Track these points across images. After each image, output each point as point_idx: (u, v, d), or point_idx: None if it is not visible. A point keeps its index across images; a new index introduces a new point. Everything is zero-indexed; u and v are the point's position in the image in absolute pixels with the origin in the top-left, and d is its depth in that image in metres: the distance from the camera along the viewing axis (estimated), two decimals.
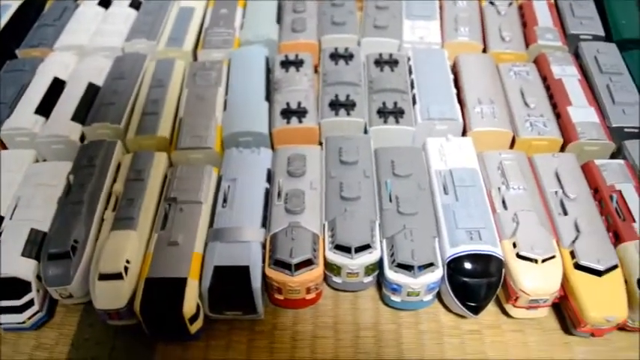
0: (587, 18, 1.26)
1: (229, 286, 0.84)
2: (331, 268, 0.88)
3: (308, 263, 0.85)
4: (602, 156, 1.03)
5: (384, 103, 1.06)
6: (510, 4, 1.29)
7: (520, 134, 1.03)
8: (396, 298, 0.88)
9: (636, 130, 1.05)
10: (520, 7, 1.30)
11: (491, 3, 1.28)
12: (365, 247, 0.86)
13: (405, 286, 0.85)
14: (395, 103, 1.06)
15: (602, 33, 1.24)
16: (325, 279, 0.91)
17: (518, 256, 0.85)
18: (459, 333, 0.89)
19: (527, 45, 1.22)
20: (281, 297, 0.88)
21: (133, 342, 0.89)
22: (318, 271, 0.85)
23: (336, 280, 0.90)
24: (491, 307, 0.91)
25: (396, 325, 0.90)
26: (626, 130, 1.05)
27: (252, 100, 1.07)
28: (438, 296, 0.91)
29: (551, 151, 1.02)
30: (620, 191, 0.93)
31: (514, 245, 0.86)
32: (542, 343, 0.89)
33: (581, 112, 1.05)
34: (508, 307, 0.89)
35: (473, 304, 0.85)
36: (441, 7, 1.29)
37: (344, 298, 0.93)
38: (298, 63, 1.13)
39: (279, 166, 0.97)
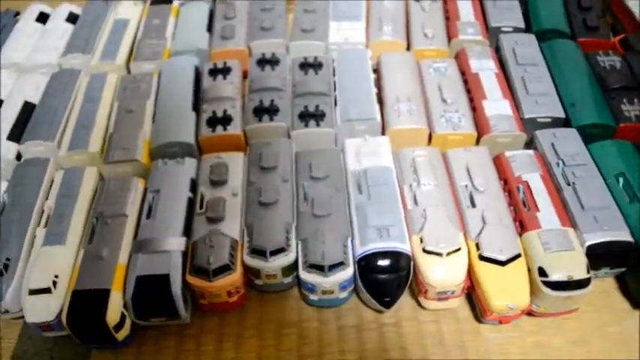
0: (509, 10, 1.29)
1: (151, 294, 0.88)
2: (251, 271, 0.92)
3: (226, 268, 0.89)
4: (516, 147, 1.07)
5: (306, 107, 1.09)
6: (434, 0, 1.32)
7: (436, 130, 1.07)
8: (313, 297, 0.92)
9: (548, 120, 1.09)
10: (444, 2, 1.33)
11: (416, 0, 1.31)
12: (280, 250, 0.90)
13: (318, 285, 0.89)
14: (317, 106, 1.10)
15: (522, 25, 1.27)
16: (249, 281, 0.95)
17: (425, 250, 0.89)
18: (378, 326, 0.94)
19: (449, 40, 1.25)
20: (205, 301, 0.93)
21: (69, 352, 0.94)
22: (235, 275, 0.90)
23: (258, 282, 0.94)
24: (409, 300, 0.96)
25: (318, 322, 0.95)
26: (539, 120, 1.09)
27: (179, 111, 1.11)
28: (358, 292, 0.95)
29: (467, 145, 1.06)
30: (526, 182, 0.97)
31: (421, 240, 0.90)
32: (456, 331, 0.93)
33: (495, 105, 1.09)
34: (421, 300, 0.93)
35: (384, 299, 0.90)
36: (368, 8, 1.31)
37: (268, 299, 0.97)
38: (226, 71, 1.17)
39: (203, 175, 1.01)
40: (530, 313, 0.92)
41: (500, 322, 0.91)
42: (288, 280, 0.94)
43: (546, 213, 0.93)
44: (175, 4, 1.34)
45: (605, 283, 0.99)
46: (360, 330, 0.94)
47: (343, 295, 0.92)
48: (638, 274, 0.93)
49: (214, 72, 1.17)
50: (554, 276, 0.86)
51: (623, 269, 0.95)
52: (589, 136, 1.07)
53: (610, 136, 1.09)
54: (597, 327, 0.93)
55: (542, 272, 0.87)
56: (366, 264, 0.89)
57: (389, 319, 0.95)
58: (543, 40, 1.23)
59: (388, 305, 0.91)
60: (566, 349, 0.91)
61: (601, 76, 1.16)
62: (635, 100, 1.11)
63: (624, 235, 0.91)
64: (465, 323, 0.94)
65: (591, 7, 1.32)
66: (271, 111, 1.09)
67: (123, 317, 0.88)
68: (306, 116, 1.08)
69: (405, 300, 0.96)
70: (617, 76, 1.15)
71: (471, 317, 0.94)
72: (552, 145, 1.03)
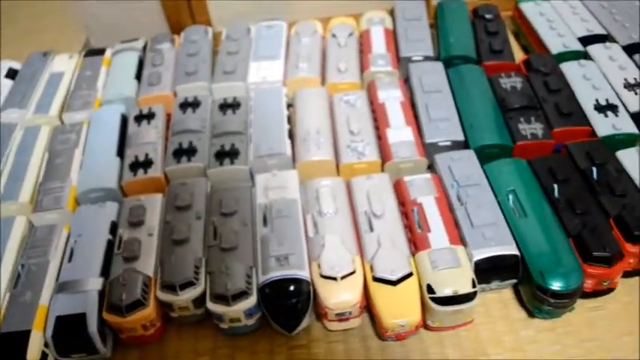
0: (420, 41, 1.37)
1: (70, 332, 0.95)
2: (165, 305, 0.99)
3: (138, 304, 0.95)
4: (419, 171, 1.13)
5: (222, 146, 1.17)
6: (350, 34, 1.40)
7: (342, 160, 1.14)
8: (223, 325, 0.98)
9: (449, 144, 1.16)
10: (360, 36, 1.41)
11: (334, 35, 1.39)
12: (189, 284, 0.97)
13: (224, 314, 0.95)
14: (232, 145, 1.17)
15: (431, 53, 1.35)
16: (165, 314, 1.01)
17: (322, 275, 0.96)
18: (288, 349, 1.00)
19: (362, 73, 1.32)
20: (123, 336, 0.99)
21: None
22: (148, 310, 0.96)
23: (173, 314, 1.00)
24: (317, 323, 1.02)
25: (231, 348, 1.01)
26: (439, 144, 1.16)
27: (104, 158, 1.18)
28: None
29: (372, 172, 1.13)
30: (421, 204, 1.04)
31: (319, 266, 0.97)
32: (363, 349, 0.99)
33: (398, 133, 1.16)
34: (324, 322, 0.99)
35: (286, 324, 0.96)
36: (287, 47, 1.39)
37: (185, 330, 1.04)
38: (150, 116, 1.25)
39: (122, 217, 1.08)
40: (427, 328, 0.98)
41: (397, 339, 0.97)
42: (202, 311, 1.00)
43: (437, 233, 0.99)
44: (107, 54, 1.42)
45: (502, 295, 1.05)
46: (271, 354, 1.00)
47: (251, 322, 0.98)
48: (526, 285, 0.99)
49: (140, 118, 1.24)
50: (441, 292, 0.92)
51: (514, 281, 1.01)
52: (488, 156, 1.13)
53: (508, 155, 1.15)
54: (493, 337, 0.99)
55: (430, 289, 0.93)
56: (268, 292, 0.95)
57: (300, 341, 1.01)
58: (450, 67, 1.31)
59: (291, 330, 0.97)
60: None
61: (501, 97, 1.23)
62: (532, 118, 1.18)
63: (510, 249, 0.97)
64: (370, 341, 1.00)
65: (498, 32, 1.39)
66: (190, 152, 1.17)
67: (44, 355, 0.94)
68: (221, 155, 1.16)
69: (316, 323, 1.02)
70: (517, 96, 1.22)
71: (374, 335, 1.00)
72: (449, 167, 1.10)
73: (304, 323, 0.98)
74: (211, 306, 0.95)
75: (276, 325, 0.97)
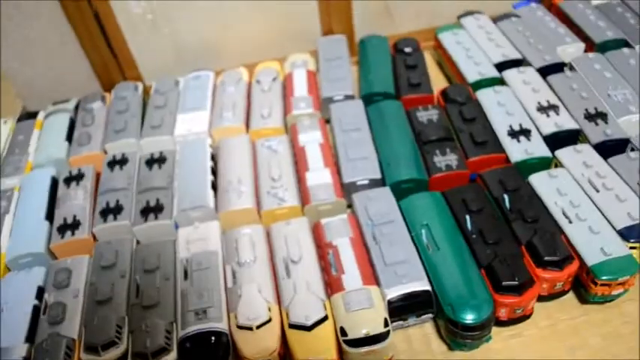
0: (340, 80, 1.41)
1: None
2: None
3: None
4: (339, 212, 1.16)
5: (147, 202, 1.19)
6: (274, 79, 1.44)
7: (263, 207, 1.17)
8: None
9: (366, 182, 1.19)
10: (284, 80, 1.45)
11: (258, 82, 1.43)
12: (111, 344, 0.98)
13: None
14: (157, 200, 1.19)
15: (351, 92, 1.38)
16: None
17: (238, 326, 0.98)
18: None
19: (285, 116, 1.36)
20: None
21: None
22: None
23: None
24: None
25: None
26: (358, 183, 1.19)
27: (33, 222, 1.20)
28: None
29: (294, 217, 1.15)
30: (336, 246, 1.07)
31: (235, 317, 0.99)
32: None
33: (316, 175, 1.19)
34: None
35: None
36: (213, 96, 1.43)
37: None
38: (79, 177, 1.27)
39: (49, 281, 1.10)
40: None
41: None
42: None
43: (351, 274, 1.02)
44: (40, 117, 1.45)
45: (424, 329, 1.07)
46: None
47: None
48: (441, 319, 1.01)
49: (69, 179, 1.27)
50: (352, 334, 0.95)
51: (430, 315, 1.04)
52: (405, 191, 1.17)
53: (424, 188, 1.19)
54: None
55: (343, 332, 0.96)
56: (187, 346, 0.97)
57: None
58: (370, 104, 1.35)
59: None
60: None
61: (418, 131, 1.27)
62: (448, 150, 1.22)
63: (422, 285, 1.00)
64: None
65: (416, 65, 1.44)
66: (116, 210, 1.19)
67: None
68: (146, 211, 1.18)
69: None
70: (432, 129, 1.26)
71: None
72: (365, 206, 1.13)
73: None
74: None
75: None
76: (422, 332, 1.07)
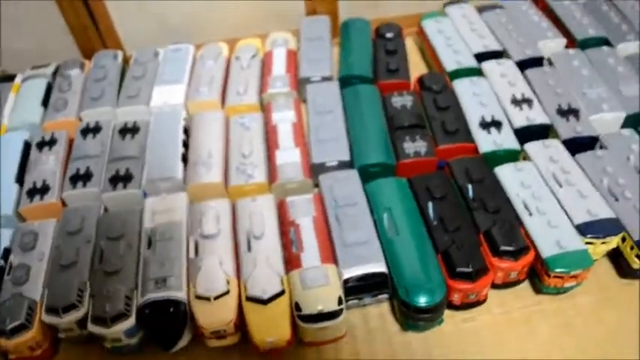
0: (319, 60, 1.41)
1: None
2: (50, 327, 1.02)
3: (22, 327, 0.99)
4: (305, 191, 1.17)
5: (117, 171, 1.20)
6: (254, 56, 1.44)
7: (230, 182, 1.18)
8: (106, 344, 1.02)
9: (335, 164, 1.20)
10: (263, 57, 1.45)
11: (237, 58, 1.43)
12: (72, 307, 1.00)
13: (105, 335, 0.99)
14: (127, 169, 1.20)
15: (329, 73, 1.39)
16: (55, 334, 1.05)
17: (196, 296, 1.00)
18: None
19: (261, 94, 1.36)
20: (12, 357, 1.03)
21: None
22: (32, 333, 0.99)
23: (60, 335, 1.04)
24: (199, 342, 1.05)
25: None
26: (327, 164, 1.20)
27: (2, 185, 1.21)
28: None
29: (261, 193, 1.17)
30: (298, 224, 1.08)
31: (195, 287, 1.00)
32: None
33: (286, 154, 1.20)
34: (204, 340, 1.03)
35: (163, 343, 1.01)
36: (192, 69, 1.43)
37: (75, 349, 1.07)
38: (52, 142, 1.28)
39: (15, 243, 1.11)
40: (303, 343, 1.03)
41: (272, 355, 1.01)
42: (87, 331, 1.03)
43: (310, 253, 1.04)
44: (17, 80, 1.45)
45: (381, 308, 1.09)
46: None
47: (133, 341, 1.02)
48: (395, 300, 1.04)
49: (41, 144, 1.28)
50: (306, 310, 0.97)
51: (385, 296, 1.06)
52: (372, 175, 1.18)
53: (392, 173, 1.20)
54: (369, 349, 1.04)
55: (297, 307, 0.98)
56: (146, 312, 0.99)
57: (180, 358, 1.05)
58: (347, 86, 1.36)
59: (168, 348, 1.01)
60: None
61: (391, 116, 1.28)
62: (417, 136, 1.23)
63: (379, 267, 1.02)
64: (249, 357, 1.04)
65: (396, 51, 1.44)
66: (86, 177, 1.20)
67: None
68: (116, 179, 1.19)
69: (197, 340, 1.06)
70: (405, 115, 1.27)
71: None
72: (331, 187, 1.14)
73: (183, 341, 1.02)
74: (92, 327, 0.99)
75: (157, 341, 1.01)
76: (379, 311, 1.09)
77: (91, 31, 1.52)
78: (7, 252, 1.11)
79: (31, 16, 1.51)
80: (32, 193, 1.19)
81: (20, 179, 1.23)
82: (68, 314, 1.00)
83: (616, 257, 1.11)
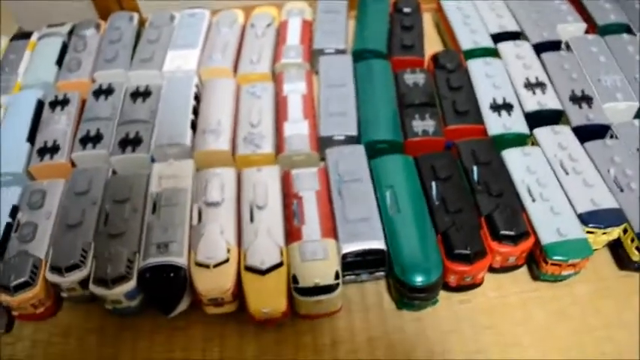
0: (334, 33, 1.40)
1: None
2: (53, 285, 1.05)
3: (26, 284, 1.02)
4: (312, 164, 1.18)
5: (127, 134, 1.22)
6: (269, 25, 1.43)
7: (238, 151, 1.19)
8: (107, 306, 1.05)
9: (342, 138, 1.20)
10: (278, 27, 1.44)
11: (252, 26, 1.43)
12: (75, 267, 1.03)
13: (105, 296, 1.02)
14: (137, 133, 1.22)
15: (343, 46, 1.38)
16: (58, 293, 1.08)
17: (196, 263, 1.01)
18: (168, 330, 1.07)
19: (274, 64, 1.36)
20: (16, 313, 1.06)
21: None
22: (36, 290, 1.02)
23: (63, 294, 1.07)
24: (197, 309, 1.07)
25: (117, 327, 1.09)
26: (334, 138, 1.21)
27: (15, 142, 1.23)
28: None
29: (267, 164, 1.17)
30: (301, 197, 1.09)
31: (195, 254, 1.02)
32: (236, 334, 1.06)
33: (294, 126, 1.20)
34: (202, 307, 1.05)
35: (163, 307, 1.03)
36: (206, 35, 1.43)
37: (78, 309, 1.10)
38: (65, 102, 1.29)
39: (23, 201, 1.13)
40: (298, 315, 1.05)
41: (268, 325, 1.03)
42: (89, 291, 1.06)
43: (311, 226, 1.05)
44: (33, 38, 1.46)
45: (378, 286, 1.11)
46: (152, 334, 1.07)
47: (134, 303, 1.05)
48: (391, 278, 1.05)
49: (54, 104, 1.29)
50: (303, 282, 0.98)
51: (382, 273, 1.07)
52: (379, 151, 1.18)
53: (399, 150, 1.20)
54: (364, 325, 1.06)
55: (295, 279, 0.99)
56: (146, 276, 1.01)
57: (178, 323, 1.07)
58: (360, 60, 1.35)
59: (167, 312, 1.03)
60: (329, 349, 1.03)
61: (402, 93, 1.27)
62: (427, 115, 1.23)
63: (378, 244, 1.03)
64: (245, 325, 1.06)
65: (413, 27, 1.42)
66: (96, 139, 1.22)
67: None
68: (125, 143, 1.21)
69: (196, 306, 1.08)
70: (416, 93, 1.26)
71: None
72: (336, 161, 1.14)
73: (182, 306, 1.04)
74: (93, 288, 1.02)
75: (157, 305, 1.03)
76: (376, 288, 1.10)
77: None
78: (16, 209, 1.13)
79: None
80: (43, 152, 1.21)
81: (32, 138, 1.25)
82: (71, 274, 1.03)
83: (616, 248, 1.11)
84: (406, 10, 1.47)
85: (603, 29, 1.42)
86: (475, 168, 1.12)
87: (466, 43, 1.39)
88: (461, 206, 1.07)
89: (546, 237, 1.03)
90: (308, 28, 1.43)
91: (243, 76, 1.33)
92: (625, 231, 1.07)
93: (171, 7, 1.50)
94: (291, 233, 1.05)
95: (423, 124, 1.21)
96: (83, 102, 1.32)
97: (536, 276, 1.09)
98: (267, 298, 0.99)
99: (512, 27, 1.42)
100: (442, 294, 1.06)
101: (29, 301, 1.03)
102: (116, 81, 1.33)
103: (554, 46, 1.38)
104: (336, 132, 1.20)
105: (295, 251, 1.02)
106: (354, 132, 1.20)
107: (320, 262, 1.00)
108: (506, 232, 1.03)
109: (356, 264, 1.04)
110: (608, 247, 1.13)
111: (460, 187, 1.11)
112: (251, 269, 1.01)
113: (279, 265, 1.01)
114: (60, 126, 1.25)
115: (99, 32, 1.47)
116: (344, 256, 1.02)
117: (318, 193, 1.10)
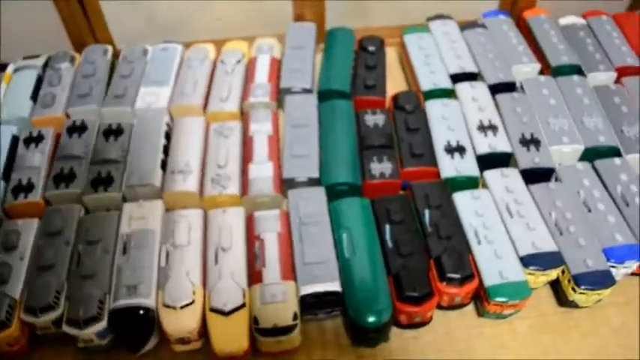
0: (300, 71, 1.46)
1: None
2: (29, 325, 1.11)
3: (2, 325, 1.08)
4: (276, 206, 1.25)
5: (99, 173, 1.27)
6: (239, 61, 1.49)
7: (205, 193, 1.25)
8: (80, 344, 1.11)
9: (305, 180, 1.27)
10: (248, 63, 1.50)
11: (222, 62, 1.48)
12: (49, 308, 1.09)
13: (77, 335, 1.08)
14: (109, 172, 1.27)
15: (309, 86, 1.44)
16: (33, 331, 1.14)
17: (164, 304, 1.08)
18: None
19: (242, 102, 1.42)
20: None
21: None
22: (11, 330, 1.08)
23: (38, 332, 1.13)
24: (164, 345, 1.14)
25: None
26: (297, 180, 1.27)
27: None
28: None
29: (234, 205, 1.24)
30: (263, 239, 1.16)
31: (162, 296, 1.09)
32: None
33: (259, 168, 1.27)
34: (171, 345, 1.12)
35: (131, 346, 1.10)
36: (178, 71, 1.48)
37: (51, 346, 1.16)
38: (39, 139, 1.34)
39: None
40: (260, 352, 1.12)
41: None
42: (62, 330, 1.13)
43: (271, 269, 1.12)
44: (9, 70, 1.50)
45: (336, 323, 1.18)
46: None
47: (105, 342, 1.11)
48: (347, 318, 1.13)
49: (29, 140, 1.34)
50: (263, 324, 1.06)
51: (338, 313, 1.15)
52: (339, 193, 1.25)
53: (358, 192, 1.27)
54: None
55: (255, 321, 1.06)
56: (116, 317, 1.08)
57: (147, 359, 1.14)
58: (326, 100, 1.41)
59: (135, 351, 1.10)
60: None
61: (363, 134, 1.34)
62: (385, 157, 1.30)
63: (333, 286, 1.10)
64: None
65: (375, 66, 1.49)
66: (69, 178, 1.27)
67: None
68: (97, 182, 1.26)
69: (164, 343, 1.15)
70: (375, 134, 1.33)
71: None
72: (297, 204, 1.21)
73: (149, 345, 1.11)
74: (66, 328, 1.08)
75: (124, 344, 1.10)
76: (334, 325, 1.18)
77: (83, 24, 1.56)
78: None
79: (23, 7, 1.55)
80: (17, 190, 1.26)
81: (7, 175, 1.30)
82: (45, 315, 1.09)
83: (556, 285, 1.20)
84: (370, 48, 1.54)
85: (556, 70, 1.50)
86: (427, 211, 1.20)
87: (426, 84, 1.46)
88: (412, 249, 1.15)
89: (489, 279, 1.11)
90: (276, 65, 1.49)
91: (213, 114, 1.39)
92: (563, 272, 1.16)
93: (145, 38, 1.54)
94: (253, 275, 1.12)
95: (380, 167, 1.28)
96: (58, 136, 1.36)
97: (481, 313, 1.17)
98: (230, 338, 1.07)
99: (470, 68, 1.50)
100: (394, 330, 1.14)
101: (5, 341, 1.09)
102: (89, 119, 1.38)
103: (509, 86, 1.46)
104: (298, 174, 1.27)
105: (256, 293, 1.09)
106: (315, 174, 1.27)
107: (279, 305, 1.07)
108: (453, 275, 1.11)
109: (314, 305, 1.12)
110: (549, 285, 1.22)
111: (412, 230, 1.19)
112: (215, 310, 1.08)
113: (242, 306, 1.08)
114: (34, 164, 1.30)
115: (73, 65, 1.51)
116: (302, 298, 1.10)
117: (280, 235, 1.17)
